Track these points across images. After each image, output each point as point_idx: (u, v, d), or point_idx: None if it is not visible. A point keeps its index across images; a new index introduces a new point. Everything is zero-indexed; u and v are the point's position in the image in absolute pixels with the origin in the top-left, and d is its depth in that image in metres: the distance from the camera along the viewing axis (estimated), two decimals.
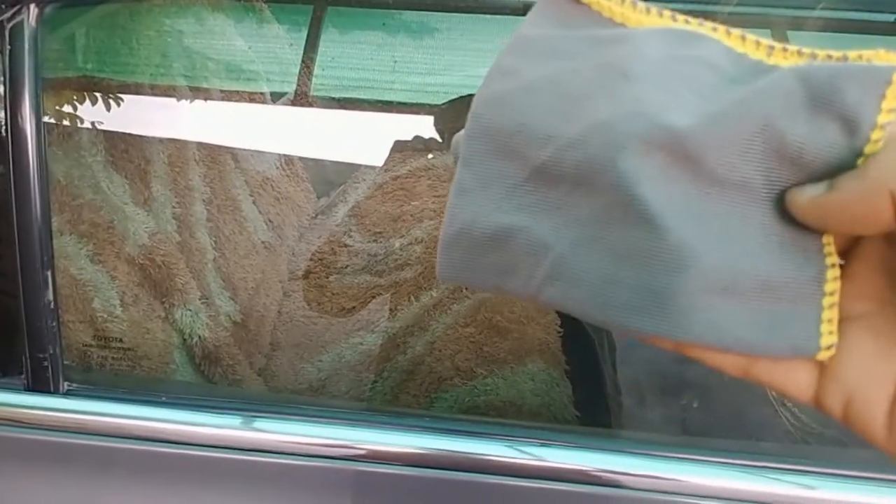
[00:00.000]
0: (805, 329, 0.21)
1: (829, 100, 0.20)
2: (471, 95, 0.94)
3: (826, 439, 0.68)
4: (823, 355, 0.22)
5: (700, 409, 0.97)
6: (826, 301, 0.21)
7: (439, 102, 1.13)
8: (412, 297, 1.02)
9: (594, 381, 1.00)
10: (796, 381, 0.23)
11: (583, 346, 1.03)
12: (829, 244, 0.21)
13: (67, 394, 0.59)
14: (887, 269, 0.22)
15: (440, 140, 1.22)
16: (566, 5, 0.25)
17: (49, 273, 0.56)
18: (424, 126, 1.15)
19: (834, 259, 0.21)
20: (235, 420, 0.66)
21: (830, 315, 0.21)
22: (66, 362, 0.59)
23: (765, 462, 0.62)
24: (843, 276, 0.22)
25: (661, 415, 1.06)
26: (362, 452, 0.64)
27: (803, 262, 0.21)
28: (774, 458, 0.63)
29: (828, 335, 0.21)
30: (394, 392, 0.92)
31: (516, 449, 0.64)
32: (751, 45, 0.22)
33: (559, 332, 0.96)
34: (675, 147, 0.21)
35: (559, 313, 0.97)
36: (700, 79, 0.22)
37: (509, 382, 0.91)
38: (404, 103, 1.13)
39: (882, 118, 0.19)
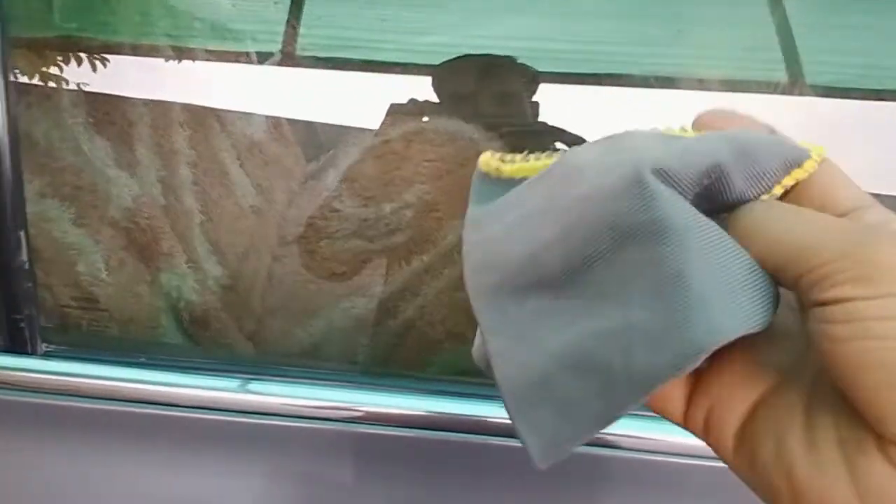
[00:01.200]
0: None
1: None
2: (467, 56, 0.92)
3: None
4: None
5: None
6: None
7: (429, 63, 1.11)
8: (403, 262, 1.01)
9: None
10: (671, 402, 0.26)
11: None
12: None
13: (45, 355, 0.59)
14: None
15: (437, 102, 1.20)
16: (489, 183, 0.28)
17: (22, 234, 0.54)
18: (414, 87, 1.13)
19: None
20: (228, 382, 0.66)
21: None
22: (45, 325, 0.59)
23: None
24: None
25: None
26: (360, 414, 0.64)
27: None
28: None
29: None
30: (384, 356, 0.92)
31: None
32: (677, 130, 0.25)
33: None
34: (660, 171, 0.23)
35: None
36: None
37: None
38: (393, 63, 1.11)
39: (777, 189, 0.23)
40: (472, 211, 0.28)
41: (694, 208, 0.22)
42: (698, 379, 0.26)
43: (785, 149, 0.23)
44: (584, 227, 0.23)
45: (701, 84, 1.02)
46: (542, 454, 0.23)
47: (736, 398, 0.25)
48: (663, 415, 0.27)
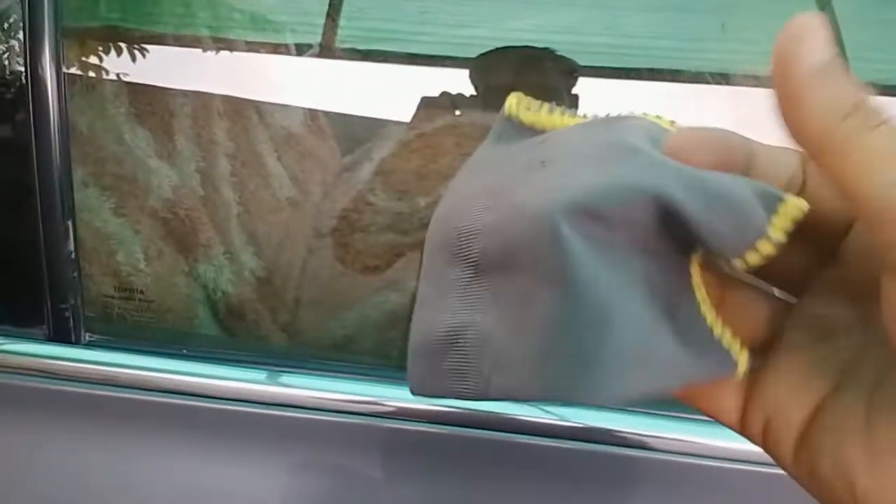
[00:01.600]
0: (717, 356, 0.23)
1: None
2: (506, 48, 0.91)
3: None
4: (738, 375, 0.23)
5: None
6: (715, 330, 0.23)
7: (468, 56, 1.10)
8: None
9: None
10: (725, 406, 0.25)
11: None
12: (697, 276, 0.23)
13: (89, 345, 0.60)
14: (829, 303, 0.23)
15: (475, 94, 1.20)
16: (508, 126, 0.28)
17: (70, 223, 0.55)
18: (453, 80, 1.12)
19: (702, 292, 0.23)
20: (261, 374, 0.66)
21: (728, 341, 0.23)
22: (88, 314, 0.60)
23: None
24: (788, 308, 0.24)
25: None
26: (389, 409, 0.64)
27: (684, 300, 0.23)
28: None
29: (740, 359, 0.23)
30: None
31: (540, 408, 0.63)
32: (666, 121, 0.25)
33: None
34: (582, 212, 0.22)
35: None
36: (618, 150, 0.23)
37: None
38: (433, 56, 1.10)
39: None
40: (480, 149, 0.28)
41: (608, 258, 0.21)
42: (753, 382, 0.24)
43: (756, 188, 0.22)
44: (509, 234, 0.23)
45: (744, 80, 1.00)
46: (412, 385, 0.26)
47: (794, 404, 0.23)
48: (718, 420, 0.25)
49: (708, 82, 1.03)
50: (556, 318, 0.21)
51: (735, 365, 0.22)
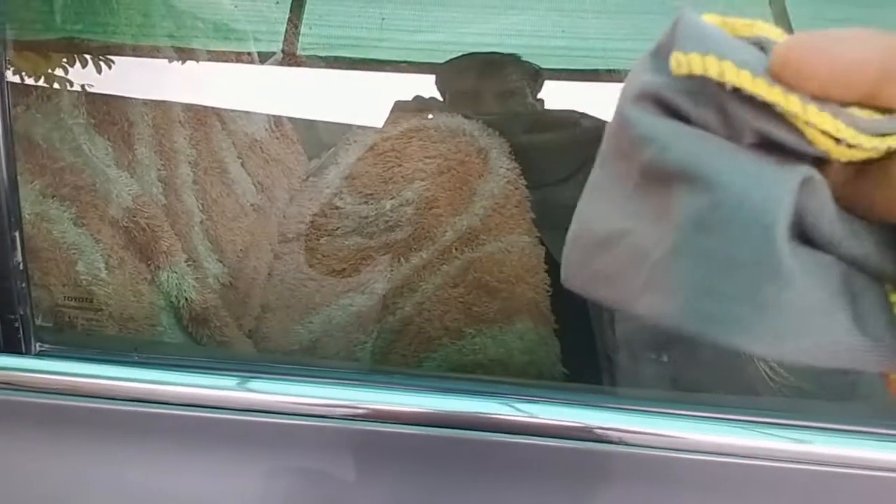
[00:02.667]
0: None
1: None
2: (472, 55, 0.92)
3: (803, 392, 0.68)
4: None
5: (688, 364, 0.98)
6: None
7: (429, 61, 1.12)
8: (402, 259, 1.02)
9: (583, 339, 1.01)
10: None
11: (572, 305, 1.03)
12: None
13: (40, 355, 0.60)
14: None
15: (441, 100, 1.21)
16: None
17: (17, 234, 0.56)
18: (414, 84, 1.14)
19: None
20: (228, 381, 0.66)
21: None
22: (42, 324, 0.60)
23: (752, 416, 0.62)
24: None
25: (653, 371, 1.06)
26: (361, 412, 0.64)
27: None
28: (759, 413, 0.63)
29: None
30: (383, 352, 0.93)
31: (513, 407, 0.64)
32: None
33: (548, 292, 0.96)
34: None
35: (548, 272, 0.97)
36: None
37: (497, 342, 0.91)
38: (393, 61, 1.12)
39: None
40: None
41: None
42: None
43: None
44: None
45: None
46: (564, 275, 0.25)
47: None
48: None
49: None
50: (738, 261, 0.21)
51: None
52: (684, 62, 0.21)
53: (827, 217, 0.21)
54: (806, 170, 0.21)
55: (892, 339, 0.21)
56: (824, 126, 0.20)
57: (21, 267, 0.56)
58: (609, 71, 1.09)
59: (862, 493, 0.59)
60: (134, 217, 0.78)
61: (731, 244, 0.21)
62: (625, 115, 0.23)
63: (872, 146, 0.20)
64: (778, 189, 0.20)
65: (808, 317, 0.21)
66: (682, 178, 0.21)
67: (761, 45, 0.22)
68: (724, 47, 0.21)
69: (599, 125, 1.09)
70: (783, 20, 1.08)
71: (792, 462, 0.59)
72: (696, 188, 0.21)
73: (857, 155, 0.21)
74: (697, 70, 0.21)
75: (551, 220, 1.04)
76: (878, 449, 0.59)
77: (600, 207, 0.24)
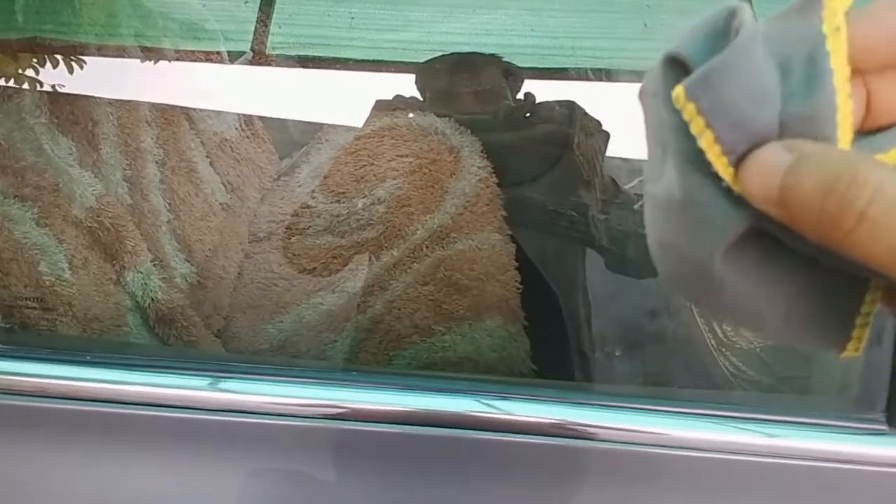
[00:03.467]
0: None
1: None
2: (451, 54, 0.92)
3: (762, 386, 0.69)
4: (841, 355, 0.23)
5: (657, 360, 0.99)
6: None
7: (399, 60, 1.12)
8: (373, 257, 1.02)
9: (553, 336, 1.01)
10: None
11: (543, 303, 1.04)
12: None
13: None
14: None
15: (421, 99, 1.21)
16: None
17: None
18: (384, 84, 1.14)
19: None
20: (202, 381, 0.66)
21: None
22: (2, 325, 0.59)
23: (724, 411, 0.63)
24: None
25: (626, 367, 1.07)
26: (339, 411, 0.64)
27: None
28: (730, 408, 0.64)
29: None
30: (353, 351, 0.93)
31: (487, 404, 0.64)
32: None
33: (518, 289, 0.96)
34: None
35: (519, 270, 0.98)
36: None
37: (467, 339, 0.91)
38: (363, 60, 1.12)
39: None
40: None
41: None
42: None
43: None
44: None
45: None
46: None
47: None
48: None
49: (633, 80, 1.06)
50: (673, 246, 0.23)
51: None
52: (681, 103, 0.22)
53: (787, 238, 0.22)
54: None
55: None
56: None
57: None
58: (578, 69, 1.09)
59: (830, 485, 0.61)
60: (98, 217, 0.78)
61: (678, 239, 0.23)
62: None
63: None
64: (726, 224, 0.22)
65: (739, 312, 0.23)
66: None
67: None
68: (734, 96, 0.21)
69: (573, 124, 1.10)
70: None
71: (763, 456, 0.60)
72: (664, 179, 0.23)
73: None
74: (686, 118, 0.22)
75: (523, 218, 1.04)
76: (844, 442, 0.60)
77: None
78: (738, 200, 0.21)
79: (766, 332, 0.24)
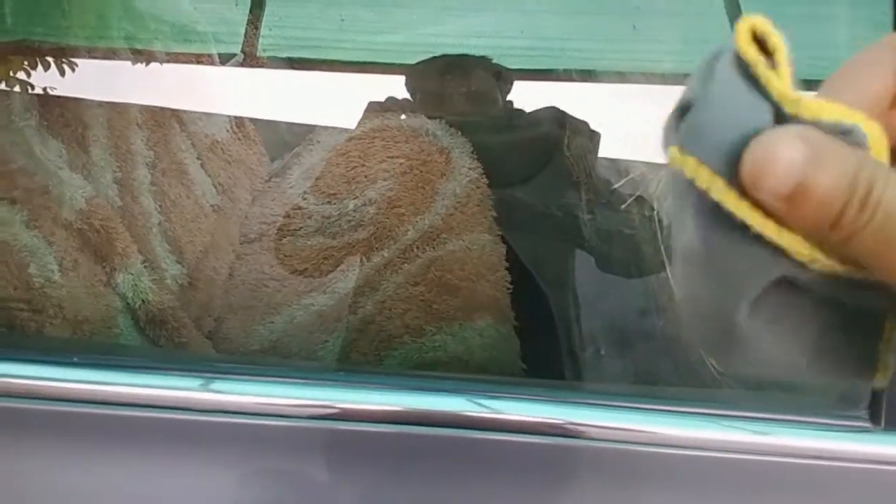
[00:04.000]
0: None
1: None
2: (442, 56, 0.93)
3: (750, 384, 0.70)
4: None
5: (647, 359, 0.99)
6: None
7: (389, 62, 1.12)
8: (364, 258, 1.02)
9: (544, 335, 1.02)
10: None
11: (533, 303, 1.05)
12: None
13: None
14: None
15: (411, 101, 1.22)
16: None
17: None
18: (375, 85, 1.15)
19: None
20: (193, 381, 0.66)
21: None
22: None
23: (714, 409, 0.64)
24: None
25: (618, 366, 1.08)
26: (333, 412, 0.64)
27: None
28: (721, 406, 0.65)
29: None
30: (344, 352, 0.94)
31: (479, 404, 0.64)
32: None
33: (509, 289, 0.97)
34: None
35: (509, 270, 0.98)
36: None
37: (458, 339, 0.92)
38: (353, 62, 1.12)
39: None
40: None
41: None
42: None
43: None
44: None
45: (656, 78, 1.04)
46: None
47: None
48: None
49: (621, 82, 1.07)
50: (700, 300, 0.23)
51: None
52: (679, 161, 0.21)
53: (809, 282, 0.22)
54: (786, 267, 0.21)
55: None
56: (799, 249, 0.20)
57: None
58: (566, 71, 1.10)
59: (815, 482, 0.61)
60: (88, 219, 0.78)
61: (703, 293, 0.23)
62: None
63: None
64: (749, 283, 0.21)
65: (765, 360, 0.23)
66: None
67: (843, 131, 0.20)
68: (723, 134, 0.20)
69: (563, 126, 1.11)
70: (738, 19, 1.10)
71: (751, 454, 0.61)
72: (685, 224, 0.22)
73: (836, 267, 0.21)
74: (675, 166, 0.21)
75: (513, 219, 1.05)
76: (828, 439, 0.61)
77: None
78: (766, 251, 0.21)
79: (791, 374, 0.24)
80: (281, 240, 1.09)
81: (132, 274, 0.81)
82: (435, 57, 1.13)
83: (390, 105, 1.20)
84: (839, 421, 0.61)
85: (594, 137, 1.10)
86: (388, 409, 0.64)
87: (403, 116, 1.15)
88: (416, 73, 1.16)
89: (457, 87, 1.18)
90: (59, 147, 0.80)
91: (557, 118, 1.13)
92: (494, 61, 1.14)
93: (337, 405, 0.65)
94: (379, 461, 0.65)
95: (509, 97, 1.21)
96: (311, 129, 1.20)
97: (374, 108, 1.18)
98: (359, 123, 1.16)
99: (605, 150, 1.03)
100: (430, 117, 1.11)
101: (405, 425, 0.64)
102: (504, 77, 1.17)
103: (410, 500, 0.65)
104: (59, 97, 0.84)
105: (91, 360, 0.65)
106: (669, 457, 0.61)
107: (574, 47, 1.11)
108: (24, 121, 0.77)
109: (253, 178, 1.15)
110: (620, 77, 1.04)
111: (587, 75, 1.05)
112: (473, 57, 1.16)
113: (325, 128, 1.18)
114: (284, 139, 1.22)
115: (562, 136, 1.10)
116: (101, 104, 0.88)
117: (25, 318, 0.70)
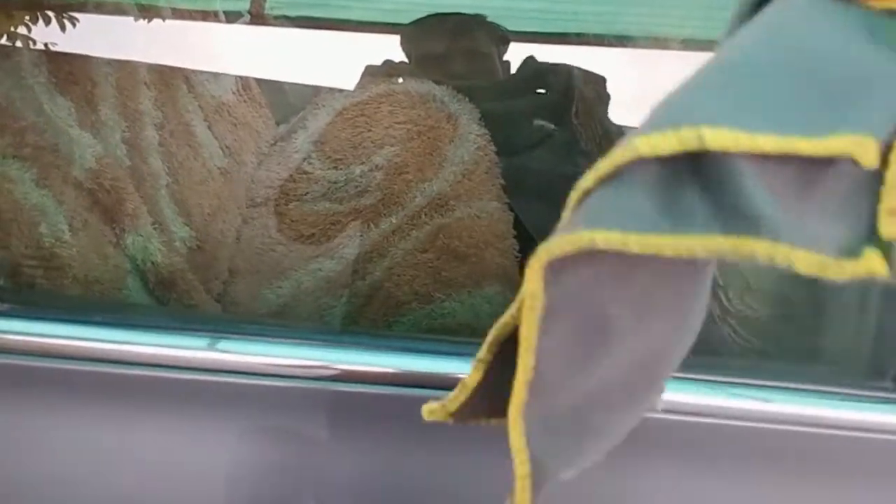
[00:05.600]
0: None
1: None
2: (437, 16, 0.91)
3: (765, 353, 0.71)
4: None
5: None
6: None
7: (398, 21, 1.10)
8: (372, 224, 1.02)
9: None
10: None
11: None
12: None
13: (2, 315, 0.60)
14: None
15: (407, 63, 1.20)
16: None
17: None
18: (383, 46, 1.13)
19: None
20: (200, 341, 0.66)
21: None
22: (2, 285, 0.59)
23: (718, 377, 0.64)
24: None
25: None
26: (333, 372, 0.64)
27: None
28: (724, 373, 0.65)
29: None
30: (352, 317, 0.94)
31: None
32: None
33: (517, 257, 0.97)
34: None
35: (517, 238, 0.98)
36: None
37: (466, 306, 0.92)
38: (362, 22, 1.10)
39: None
40: None
41: None
42: None
43: None
44: None
45: (662, 43, 1.02)
46: None
47: None
48: None
49: (635, 46, 1.06)
50: None
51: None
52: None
53: None
54: None
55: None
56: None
57: None
58: (580, 34, 1.09)
59: (839, 452, 0.61)
60: (98, 179, 0.77)
61: None
62: None
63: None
64: None
65: None
66: None
67: None
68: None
69: (571, 87, 1.10)
70: None
71: (772, 423, 0.61)
72: None
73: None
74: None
75: (521, 186, 1.04)
76: (839, 408, 0.61)
77: None
78: None
79: None
80: (287, 205, 1.08)
81: (142, 236, 0.80)
82: (429, 16, 1.11)
83: (388, 69, 1.19)
84: (864, 391, 0.61)
85: (604, 100, 1.08)
86: (391, 371, 0.64)
87: (401, 79, 1.14)
88: (412, 34, 1.14)
89: (454, 48, 1.16)
90: (68, 105, 0.79)
91: (567, 82, 1.12)
92: (489, 20, 1.12)
93: (340, 366, 0.65)
94: (381, 423, 0.65)
95: (506, 57, 1.20)
96: (316, 90, 1.18)
97: (370, 72, 1.17)
98: (358, 86, 1.14)
99: (618, 117, 1.03)
100: (429, 80, 1.10)
101: (407, 387, 0.64)
102: (500, 37, 1.16)
103: (411, 461, 0.65)
104: (67, 54, 0.82)
105: (98, 320, 0.65)
106: (682, 424, 0.61)
107: (589, 10, 1.09)
108: (33, 78, 0.75)
109: (259, 142, 1.14)
110: (636, 42, 1.03)
111: (602, 39, 1.04)
112: (468, 16, 1.14)
113: (331, 91, 1.17)
114: (290, 101, 1.21)
115: (571, 101, 1.09)
116: (109, 62, 0.87)
117: (36, 276, 0.70)
